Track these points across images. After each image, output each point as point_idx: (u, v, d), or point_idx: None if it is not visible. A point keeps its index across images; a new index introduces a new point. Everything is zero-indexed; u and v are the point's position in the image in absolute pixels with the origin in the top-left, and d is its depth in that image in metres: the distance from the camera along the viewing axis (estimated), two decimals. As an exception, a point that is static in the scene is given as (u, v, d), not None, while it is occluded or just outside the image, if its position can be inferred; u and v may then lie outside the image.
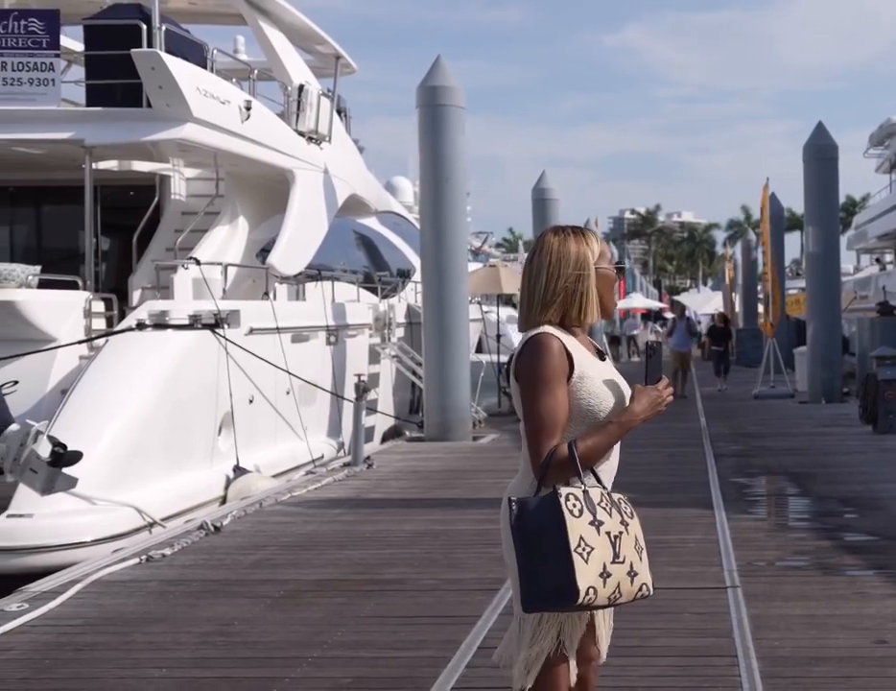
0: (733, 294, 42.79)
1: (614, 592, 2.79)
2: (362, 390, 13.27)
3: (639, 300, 51.06)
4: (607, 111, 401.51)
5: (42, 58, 12.54)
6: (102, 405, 10.14)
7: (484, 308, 23.54)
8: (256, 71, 16.01)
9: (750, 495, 10.26)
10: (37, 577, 7.29)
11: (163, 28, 12.87)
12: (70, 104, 14.18)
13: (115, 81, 12.96)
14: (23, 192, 15.17)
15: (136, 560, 7.61)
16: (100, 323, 12.05)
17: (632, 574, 2.83)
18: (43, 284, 11.42)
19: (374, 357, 17.46)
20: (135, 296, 13.55)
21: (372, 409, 15.89)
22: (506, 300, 26.92)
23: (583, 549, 2.74)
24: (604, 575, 2.76)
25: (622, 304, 42.67)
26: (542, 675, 2.90)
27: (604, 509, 2.82)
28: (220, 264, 13.51)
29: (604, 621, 3.06)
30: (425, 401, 15.76)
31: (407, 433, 16.78)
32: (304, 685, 5.00)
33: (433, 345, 15.38)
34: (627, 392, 3.00)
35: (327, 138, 17.13)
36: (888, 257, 48.38)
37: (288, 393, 13.62)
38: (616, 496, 2.89)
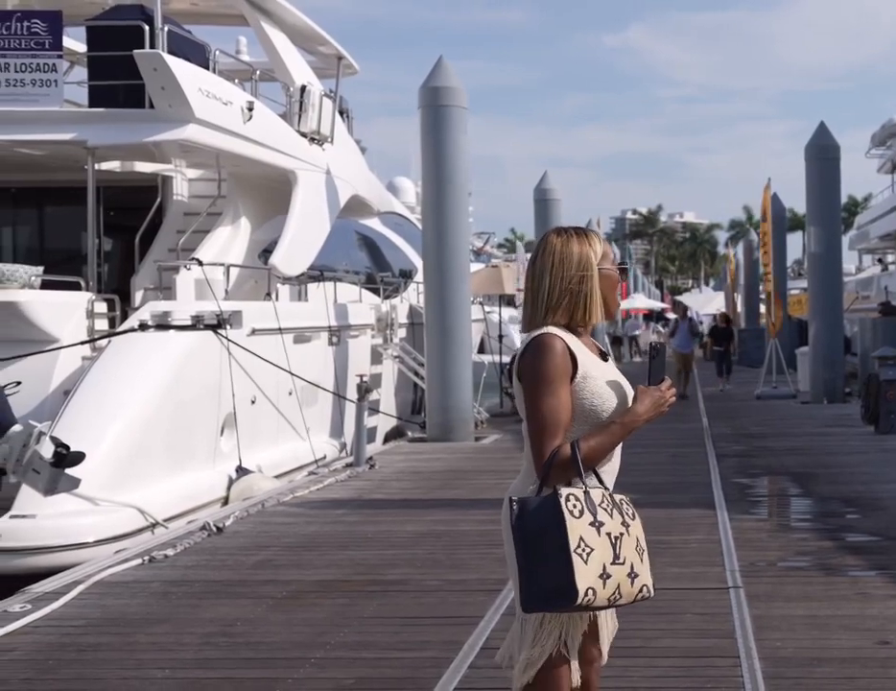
0: (735, 294, 42.78)
1: (614, 593, 2.79)
2: (364, 390, 13.28)
3: (641, 301, 51.06)
4: (609, 111, 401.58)
5: (45, 59, 12.54)
6: (104, 406, 10.15)
7: (486, 308, 23.55)
8: (258, 72, 16.02)
9: (752, 496, 10.26)
10: (40, 578, 7.30)
11: (165, 29, 12.87)
12: (73, 105, 14.19)
13: (118, 82, 12.97)
14: (26, 193, 15.18)
15: (139, 561, 7.61)
16: (102, 324, 12.05)
17: (633, 575, 2.83)
18: (46, 285, 11.43)
19: (376, 358, 17.47)
20: (138, 296, 13.56)
21: (374, 409, 15.90)
22: (507, 301, 26.92)
23: (583, 550, 2.74)
24: (604, 576, 2.76)
25: (624, 305, 42.66)
26: (544, 675, 2.90)
27: (605, 510, 2.82)
28: (222, 265, 13.51)
29: (607, 622, 3.06)
30: (427, 402, 15.77)
31: (409, 433, 16.79)
32: (307, 686, 5.01)
33: (435, 345, 15.38)
34: (630, 392, 3.00)
35: (329, 139, 17.13)
36: (890, 257, 48.36)
37: (290, 393, 13.62)
38: (618, 497, 2.89)
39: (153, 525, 9.68)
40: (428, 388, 15.67)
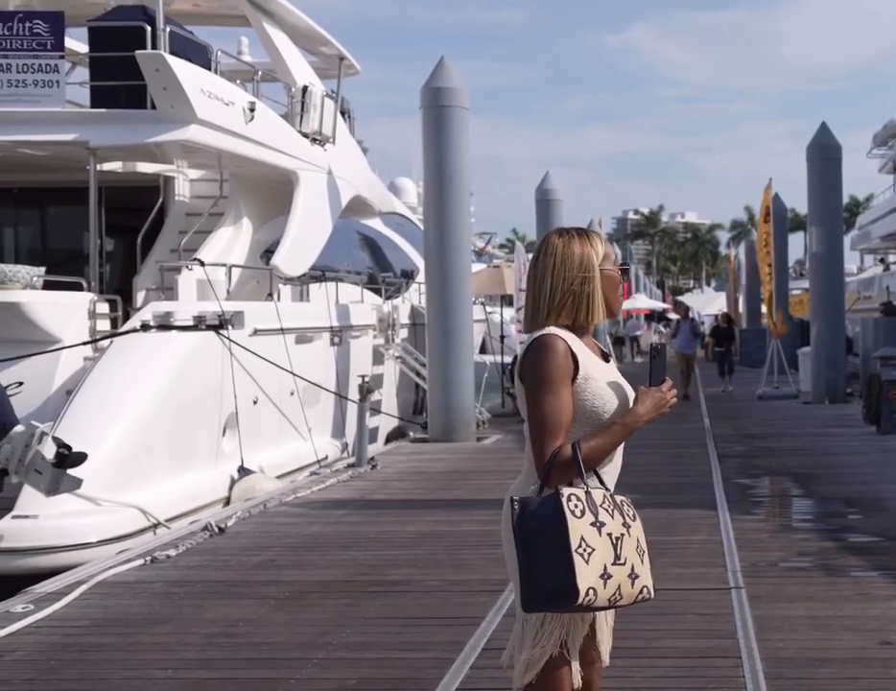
0: (737, 294, 42.76)
1: (614, 594, 2.79)
2: (366, 391, 13.29)
3: (642, 301, 51.05)
4: (610, 111, 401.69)
5: (47, 59, 12.55)
6: (106, 406, 10.15)
7: (488, 309, 23.55)
8: (260, 72, 16.02)
9: (754, 496, 10.26)
10: (43, 578, 7.31)
11: (167, 29, 12.88)
12: (74, 105, 14.20)
13: (119, 82, 12.97)
14: (27, 193, 15.18)
15: (141, 561, 7.62)
16: (104, 325, 12.05)
17: (633, 576, 2.83)
18: (48, 285, 11.44)
19: (378, 358, 17.47)
20: (140, 297, 13.56)
21: (376, 410, 15.90)
22: (509, 301, 26.90)
23: (584, 550, 2.74)
24: (605, 576, 2.76)
25: (625, 305, 42.65)
26: (545, 676, 2.90)
27: (606, 510, 2.82)
28: (224, 265, 13.52)
29: (606, 623, 3.06)
30: (429, 402, 15.77)
31: (411, 434, 16.80)
32: (309, 686, 5.01)
33: (436, 345, 15.39)
34: (631, 393, 3.01)
35: (331, 139, 17.13)
36: (892, 258, 48.38)
37: (292, 393, 13.63)
38: (619, 498, 2.89)
39: (156, 525, 9.69)
40: (430, 388, 15.68)
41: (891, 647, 5.33)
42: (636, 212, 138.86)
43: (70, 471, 8.46)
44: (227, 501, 11.20)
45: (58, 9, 13.13)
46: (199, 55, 14.03)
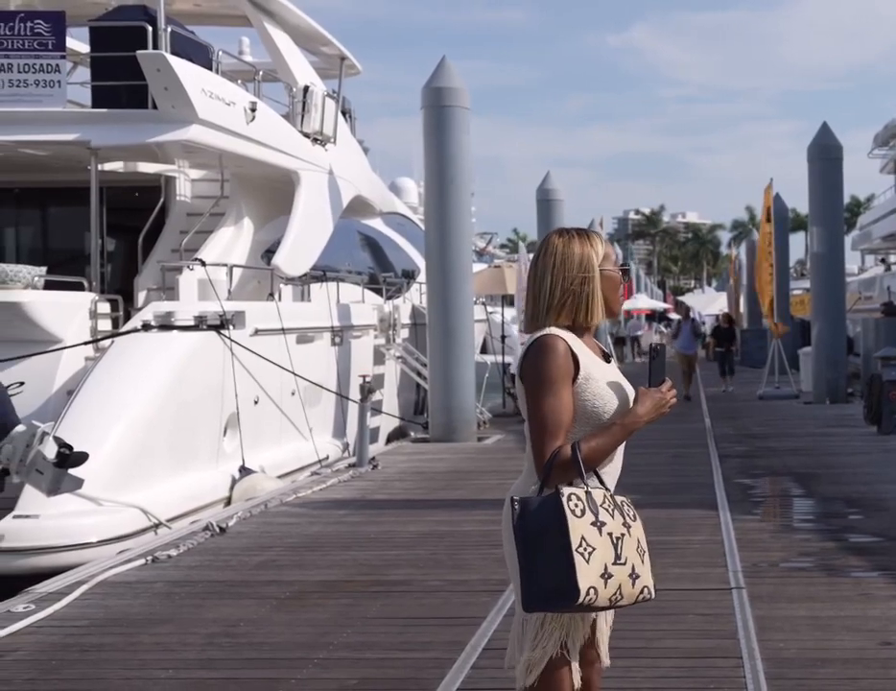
0: (738, 294, 42.73)
1: (615, 594, 2.80)
2: (367, 391, 13.29)
3: (643, 301, 51.03)
4: (611, 111, 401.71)
5: (48, 59, 12.56)
6: (107, 406, 10.16)
7: (489, 309, 23.55)
8: (261, 72, 16.03)
9: (755, 496, 10.26)
10: (44, 578, 7.32)
11: (168, 29, 12.89)
12: (76, 105, 14.20)
13: (121, 82, 12.98)
14: (29, 193, 15.19)
15: (142, 561, 7.63)
16: (105, 324, 12.06)
17: (634, 576, 2.83)
18: (49, 285, 11.45)
19: (379, 358, 17.48)
20: (141, 297, 13.56)
21: (377, 410, 15.90)
22: (510, 301, 26.91)
23: (585, 549, 2.74)
24: (606, 576, 2.76)
25: (626, 305, 42.65)
26: (545, 677, 2.90)
27: (607, 510, 2.82)
28: (225, 265, 13.53)
29: (605, 624, 3.06)
30: (430, 402, 15.78)
31: (412, 434, 16.80)
32: (310, 686, 5.01)
33: (437, 345, 15.39)
34: (632, 393, 3.01)
35: (332, 139, 17.14)
36: (893, 258, 48.37)
37: (293, 393, 13.64)
38: (619, 499, 2.89)
39: (157, 525, 9.69)
40: (430, 388, 15.68)
41: (892, 647, 5.33)
42: (637, 212, 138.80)
43: (71, 471, 8.46)
44: (228, 501, 11.21)
45: (60, 9, 13.13)
46: (200, 55, 14.04)
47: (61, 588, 6.88)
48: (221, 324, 11.85)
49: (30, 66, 12.50)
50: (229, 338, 11.89)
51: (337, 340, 15.63)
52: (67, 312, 11.42)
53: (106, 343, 11.29)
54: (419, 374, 17.77)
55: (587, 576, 2.73)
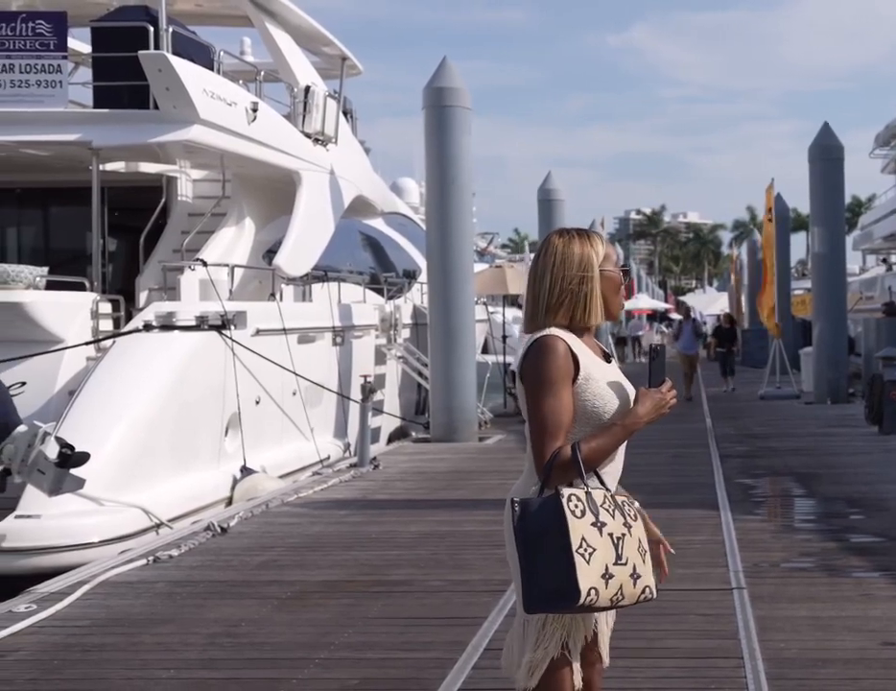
0: (740, 295, 42.71)
1: (616, 594, 2.80)
2: (368, 391, 13.30)
3: (645, 301, 51.01)
4: (612, 112, 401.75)
5: (50, 59, 12.57)
6: (109, 406, 10.17)
7: (490, 309, 23.55)
8: (263, 73, 16.04)
9: (756, 496, 10.26)
10: (45, 578, 7.32)
11: (170, 30, 12.90)
12: (77, 105, 14.21)
13: (122, 82, 12.99)
14: (30, 193, 15.20)
15: (143, 561, 7.63)
16: (107, 325, 12.07)
17: (635, 576, 2.83)
18: (51, 285, 11.45)
19: (380, 358, 17.48)
20: (142, 297, 13.57)
21: (378, 410, 15.91)
22: (511, 301, 26.92)
23: (585, 550, 2.74)
24: (606, 576, 2.77)
25: (627, 305, 42.63)
26: (546, 677, 2.91)
27: (607, 510, 2.83)
28: (226, 265, 13.54)
29: (606, 624, 3.06)
30: (431, 402, 15.78)
31: (413, 434, 16.80)
32: (312, 686, 5.02)
33: (439, 345, 15.40)
34: (633, 393, 3.01)
35: (333, 139, 17.14)
36: (894, 258, 48.33)
37: (294, 393, 13.64)
38: (620, 498, 2.89)
39: (158, 525, 9.70)
40: (432, 388, 15.69)
41: (893, 647, 5.33)
42: (638, 212, 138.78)
43: (73, 471, 8.46)
44: (230, 501, 11.21)
45: (61, 9, 13.14)
46: (201, 55, 14.05)
47: (63, 588, 6.89)
48: (222, 324, 11.86)
49: (31, 67, 12.51)
50: (231, 338, 11.90)
51: (338, 340, 15.64)
52: (69, 312, 11.43)
53: (108, 343, 11.30)
54: (420, 374, 17.77)
55: (588, 577, 2.73)
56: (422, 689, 4.93)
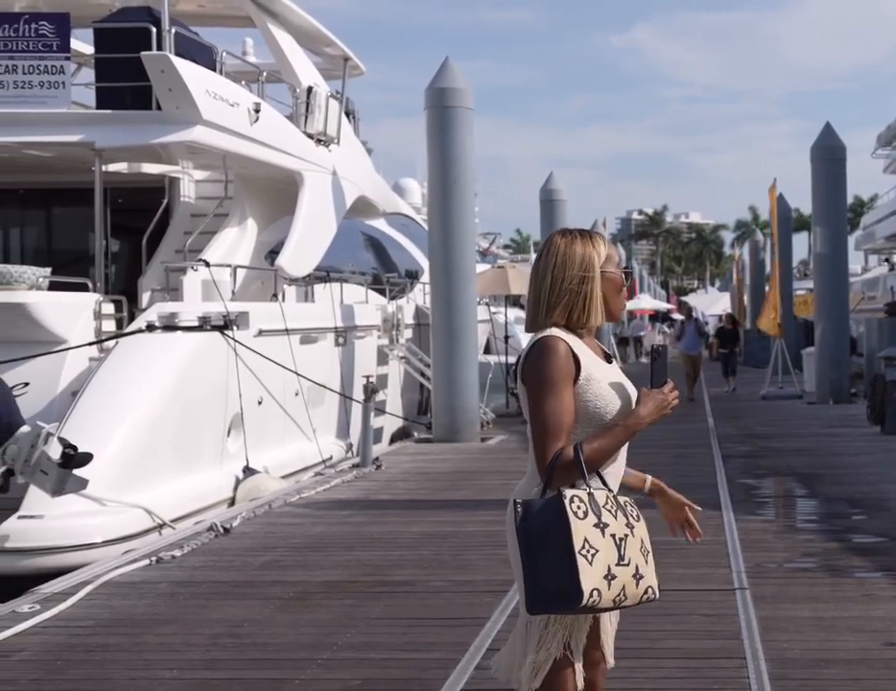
0: (742, 295, 42.71)
1: (619, 595, 2.80)
2: (370, 391, 13.30)
3: (647, 301, 51.00)
4: (614, 112, 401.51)
5: (53, 60, 12.58)
6: (112, 407, 10.18)
7: (493, 309, 23.55)
8: (265, 73, 16.05)
9: (758, 496, 10.26)
10: (49, 578, 7.33)
11: (172, 31, 12.91)
12: (80, 106, 14.22)
13: (125, 83, 13.00)
14: (33, 194, 15.21)
15: (146, 562, 7.64)
16: (110, 325, 12.09)
17: (638, 577, 2.84)
18: (53, 286, 11.47)
19: (383, 358, 17.49)
20: (145, 297, 13.59)
21: (381, 410, 15.91)
22: (514, 301, 26.91)
23: (587, 551, 2.75)
24: (609, 577, 2.77)
25: (629, 305, 42.63)
26: (549, 678, 2.91)
27: (609, 511, 2.83)
28: (229, 266, 13.54)
29: (609, 625, 3.07)
30: (433, 402, 15.79)
31: (415, 434, 16.80)
32: (314, 687, 5.03)
33: (441, 346, 15.40)
34: (634, 394, 3.02)
35: (336, 140, 17.15)
36: (896, 258, 48.25)
37: (297, 394, 13.65)
38: (622, 499, 2.90)
39: (161, 526, 9.71)
40: (434, 388, 15.69)
41: (895, 648, 5.33)
42: (640, 212, 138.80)
43: (76, 472, 8.48)
44: (232, 501, 11.22)
45: (64, 10, 13.16)
46: (204, 56, 14.06)
47: (66, 589, 6.90)
48: (224, 325, 11.87)
49: (34, 68, 12.53)
50: (233, 338, 11.91)
51: (340, 340, 15.65)
52: (71, 313, 11.44)
53: (111, 343, 11.31)
54: (423, 375, 17.78)
55: (590, 577, 2.74)
56: (425, 689, 4.93)
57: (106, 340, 11.50)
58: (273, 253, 14.92)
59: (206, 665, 5.36)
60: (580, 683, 2.95)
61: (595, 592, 2.75)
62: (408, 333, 18.58)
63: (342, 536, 8.61)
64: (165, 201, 14.65)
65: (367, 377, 13.93)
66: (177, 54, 12.80)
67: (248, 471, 11.65)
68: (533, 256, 22.51)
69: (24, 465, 8.30)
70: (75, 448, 8.45)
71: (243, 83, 15.62)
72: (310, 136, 16.25)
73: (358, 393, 14.59)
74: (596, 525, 2.79)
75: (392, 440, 17.04)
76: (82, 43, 15.41)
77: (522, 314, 26.75)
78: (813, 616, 5.93)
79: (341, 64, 18.55)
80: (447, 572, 7.25)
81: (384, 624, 6.03)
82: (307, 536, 8.66)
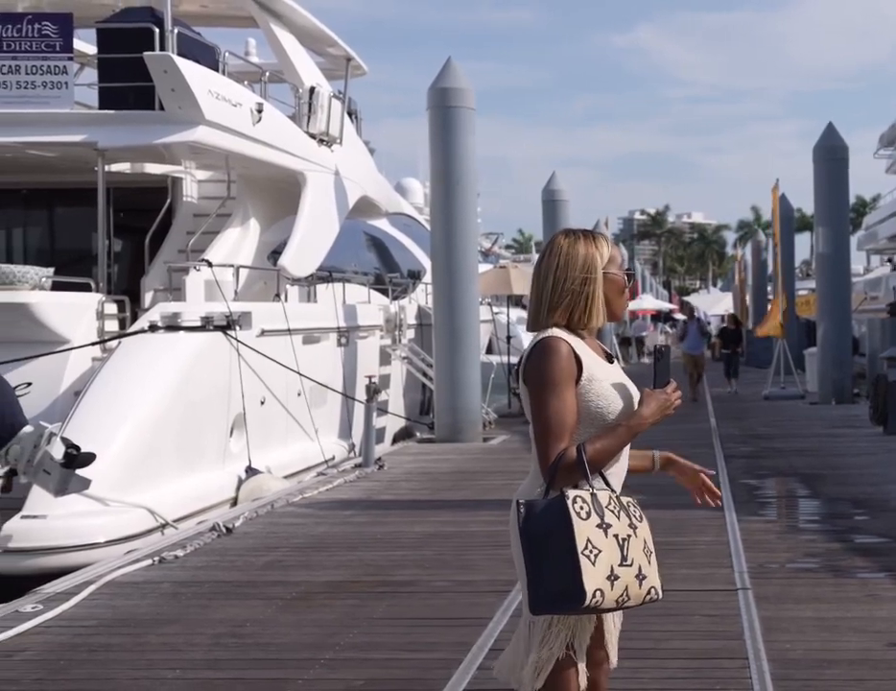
0: (745, 295, 42.69)
1: (622, 595, 2.81)
2: (373, 391, 13.30)
3: (649, 301, 50.97)
4: (617, 112, 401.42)
5: (56, 61, 12.59)
6: (115, 407, 10.19)
7: (495, 309, 23.55)
8: (267, 73, 16.06)
9: (761, 497, 10.26)
10: (51, 578, 7.34)
11: (175, 31, 12.91)
12: (83, 107, 14.24)
13: (128, 84, 13.01)
14: (36, 194, 15.23)
15: (149, 562, 7.65)
16: (112, 325, 12.09)
17: (640, 577, 2.85)
18: (56, 286, 11.48)
19: (385, 358, 17.50)
20: (148, 297, 13.60)
21: (383, 410, 15.92)
22: (516, 301, 26.90)
23: (590, 551, 2.75)
24: (612, 577, 2.78)
25: (631, 305, 42.59)
26: (552, 678, 2.91)
27: (612, 511, 2.84)
28: (231, 266, 13.55)
29: (613, 625, 3.07)
30: (435, 402, 15.79)
31: (417, 434, 16.81)
32: (317, 687, 5.03)
33: (443, 346, 15.40)
34: (636, 394, 3.02)
35: (338, 140, 17.17)
36: (899, 258, 48.22)
37: (299, 394, 13.66)
38: (625, 500, 2.90)
39: (164, 526, 9.72)
40: (436, 389, 15.70)
41: (898, 648, 5.33)
42: (642, 212, 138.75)
43: (78, 472, 8.48)
44: (235, 501, 11.23)
45: (67, 10, 13.18)
46: (206, 56, 14.07)
47: (69, 588, 6.91)
48: (227, 325, 11.88)
49: (37, 68, 12.54)
50: (236, 338, 11.91)
51: (343, 340, 15.65)
52: (74, 313, 11.45)
53: (113, 343, 11.32)
54: (425, 375, 17.79)
55: (593, 578, 2.74)
56: (427, 690, 4.94)
57: (109, 340, 11.50)
58: (276, 253, 14.92)
59: (209, 665, 5.37)
60: (584, 683, 2.95)
61: (598, 593, 2.75)
62: (410, 333, 18.59)
63: (345, 536, 8.62)
64: (168, 201, 14.67)
65: (370, 377, 13.92)
66: (180, 54, 12.81)
67: (251, 471, 11.65)
68: (534, 256, 22.73)
69: (27, 465, 8.30)
70: (78, 448, 8.45)
71: (245, 83, 15.64)
72: (312, 136, 16.26)
73: (360, 394, 14.60)
74: (599, 525, 2.79)
75: (395, 441, 17.04)
76: (85, 43, 15.42)
77: (524, 314, 26.75)
78: (816, 617, 5.93)
79: (343, 64, 18.56)
80: (449, 572, 7.25)
81: (386, 624, 6.04)
82: (309, 536, 8.67)
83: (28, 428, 8.37)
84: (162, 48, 12.74)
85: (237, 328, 11.98)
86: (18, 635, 5.89)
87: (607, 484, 2.93)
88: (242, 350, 12.01)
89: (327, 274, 15.95)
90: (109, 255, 13.80)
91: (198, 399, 11.22)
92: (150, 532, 9.52)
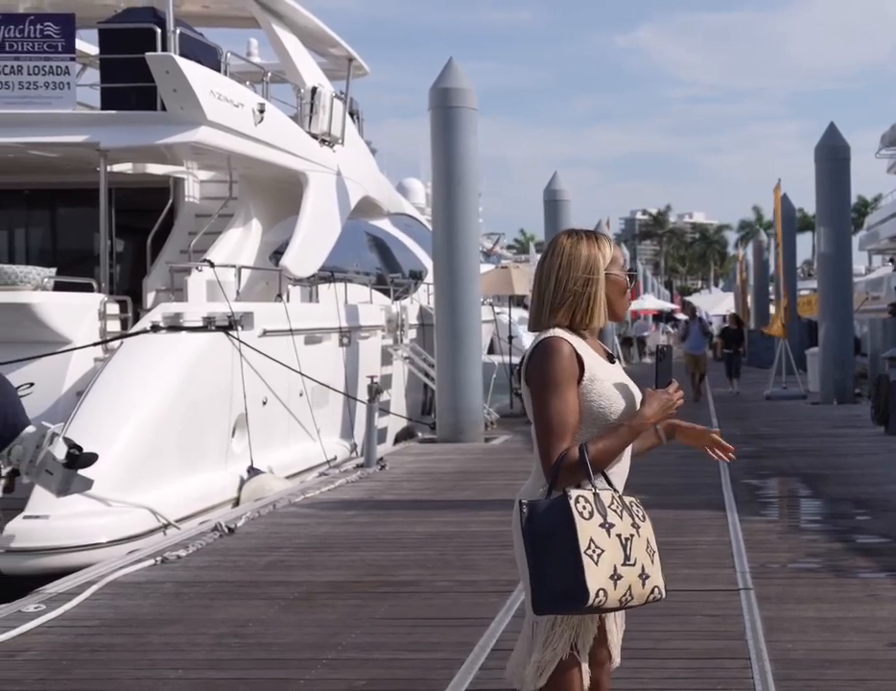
0: (746, 295, 42.68)
1: (625, 595, 2.81)
2: (374, 391, 13.31)
3: (650, 302, 50.94)
4: (618, 112, 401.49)
5: (58, 61, 12.60)
6: (117, 407, 10.19)
7: (496, 309, 23.55)
8: (269, 74, 16.05)
9: (763, 497, 10.27)
10: (54, 578, 7.35)
11: (177, 31, 12.91)
12: (85, 107, 14.25)
13: (130, 84, 13.02)
14: (38, 195, 15.24)
15: (151, 562, 7.66)
16: (114, 326, 12.10)
17: (644, 576, 2.85)
18: (58, 286, 11.47)
19: (387, 358, 17.50)
20: (150, 298, 13.61)
21: (385, 410, 15.92)
22: (517, 301, 26.92)
23: (593, 551, 2.76)
24: (615, 577, 2.78)
25: (633, 305, 42.55)
26: (555, 677, 2.92)
27: (615, 511, 2.84)
28: (233, 266, 13.56)
29: (616, 624, 3.08)
30: (437, 402, 15.79)
31: (419, 434, 16.82)
32: (319, 687, 5.04)
33: (445, 346, 15.41)
34: (637, 394, 3.02)
35: (340, 140, 17.17)
36: (901, 258, 48.19)
37: (301, 394, 13.66)
38: (627, 499, 2.91)
39: (166, 526, 9.72)
40: (438, 389, 15.70)
41: (900, 648, 5.33)
42: (644, 212, 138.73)
43: (81, 472, 8.48)
44: (237, 501, 11.23)
45: (69, 11, 13.19)
46: (208, 56, 14.08)
47: (72, 589, 6.91)
48: (229, 325, 11.88)
49: (39, 68, 12.55)
50: (238, 339, 11.92)
51: (345, 340, 15.66)
52: (76, 313, 11.46)
53: (116, 344, 11.32)
54: (427, 375, 17.79)
55: (596, 578, 2.75)
56: (429, 690, 4.94)
57: (111, 340, 11.51)
58: (278, 254, 14.93)
59: (211, 665, 5.38)
60: (587, 683, 2.96)
61: (601, 592, 2.75)
62: (412, 333, 18.59)
63: (347, 537, 8.62)
64: (170, 201, 14.68)
65: (371, 377, 13.93)
66: (182, 54, 12.81)
67: (253, 471, 11.66)
68: (534, 256, 22.68)
69: (29, 466, 8.29)
70: (80, 448, 8.45)
71: (247, 83, 15.63)
72: (314, 137, 16.26)
73: (362, 394, 14.60)
74: (601, 525, 2.80)
75: (396, 441, 17.05)
76: (87, 44, 15.42)
77: (525, 314, 26.75)
78: (818, 617, 5.93)
79: (345, 65, 18.57)
80: (451, 572, 7.26)
81: (388, 624, 6.05)
82: (311, 537, 8.67)
83: (30, 428, 8.36)
84: (164, 48, 12.75)
85: (239, 328, 11.98)
86: (21, 635, 5.90)
87: (609, 483, 2.93)
88: (244, 351, 12.01)
89: (329, 274, 15.95)
90: (111, 256, 13.81)
91: (200, 399, 11.23)
92: (152, 532, 9.53)
